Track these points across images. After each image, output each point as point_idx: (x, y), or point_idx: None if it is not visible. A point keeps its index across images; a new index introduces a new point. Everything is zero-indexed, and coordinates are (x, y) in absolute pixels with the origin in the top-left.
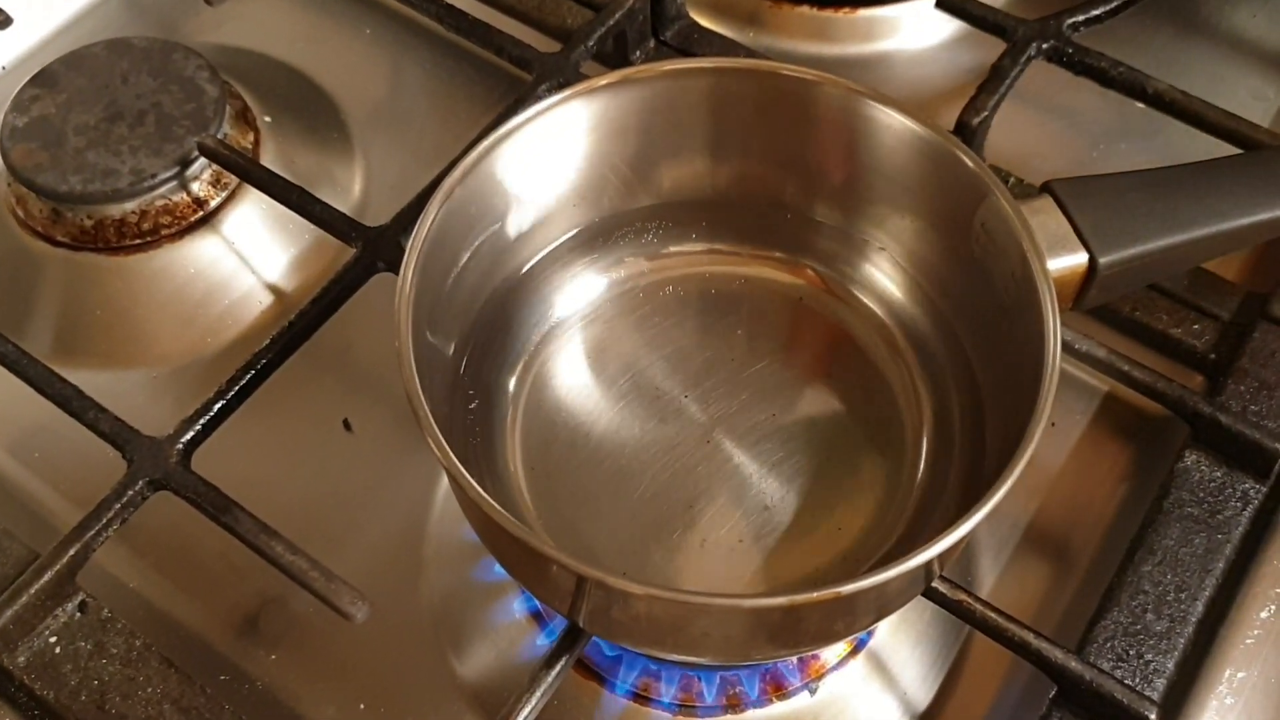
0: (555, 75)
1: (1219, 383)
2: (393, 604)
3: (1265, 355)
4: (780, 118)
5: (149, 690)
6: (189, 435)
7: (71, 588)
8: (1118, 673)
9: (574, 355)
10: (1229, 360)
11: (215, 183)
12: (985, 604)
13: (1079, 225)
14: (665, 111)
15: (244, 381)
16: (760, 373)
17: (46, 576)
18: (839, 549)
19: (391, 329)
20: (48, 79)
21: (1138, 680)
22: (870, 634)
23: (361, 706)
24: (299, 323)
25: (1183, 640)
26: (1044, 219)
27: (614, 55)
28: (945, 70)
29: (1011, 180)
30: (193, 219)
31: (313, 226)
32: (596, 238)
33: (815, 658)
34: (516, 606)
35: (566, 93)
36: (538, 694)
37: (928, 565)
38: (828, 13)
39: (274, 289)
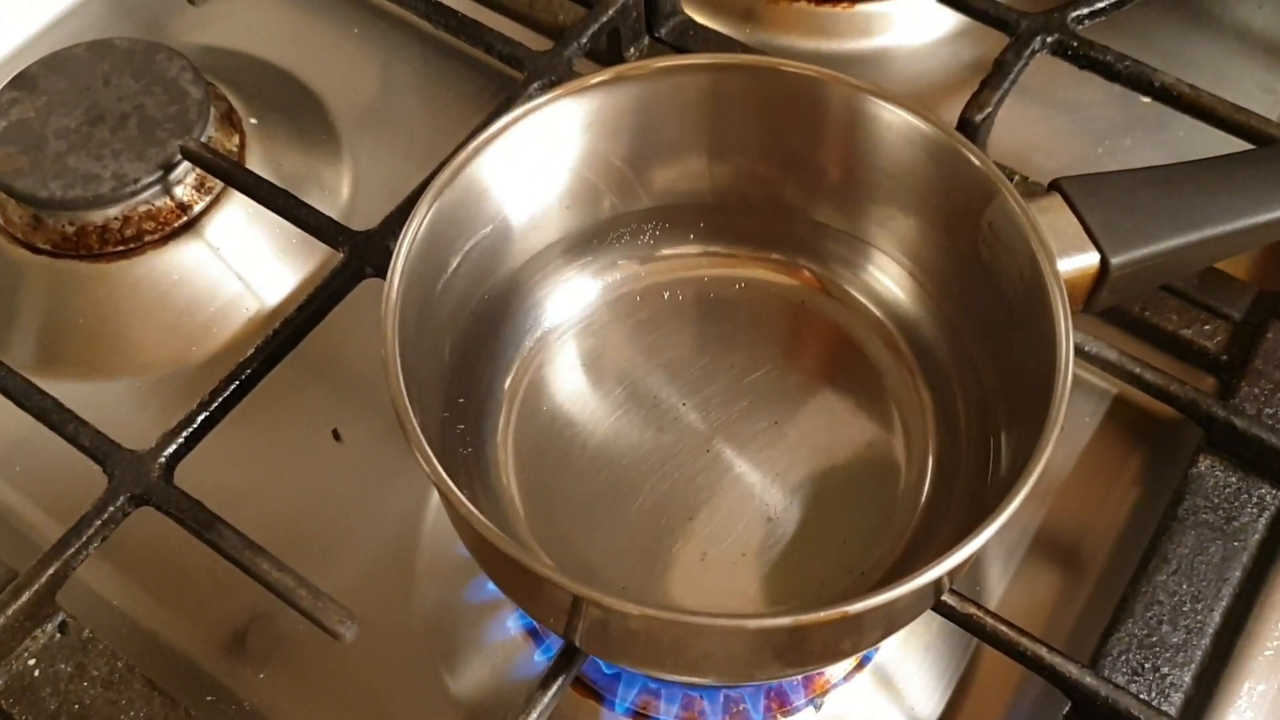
0: (547, 73)
1: (1231, 384)
2: (384, 620)
3: (1279, 356)
4: (780, 116)
5: (131, 714)
6: (171, 449)
7: (51, 608)
8: (1133, 687)
9: (568, 362)
10: (1241, 361)
11: (199, 187)
12: (996, 617)
13: (1089, 224)
14: (660, 110)
15: (227, 393)
16: (761, 379)
17: (25, 597)
18: (844, 561)
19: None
20: (27, 81)
21: (1154, 695)
22: (876, 648)
23: None
24: (284, 331)
25: (1199, 653)
26: (1053, 218)
27: (607, 53)
28: (945, 65)
29: (1016, 177)
30: (177, 224)
31: (300, 230)
32: (590, 241)
33: (820, 673)
34: (512, 622)
35: (557, 92)
36: (534, 715)
37: (937, 581)
38: (825, 8)
39: (261, 295)
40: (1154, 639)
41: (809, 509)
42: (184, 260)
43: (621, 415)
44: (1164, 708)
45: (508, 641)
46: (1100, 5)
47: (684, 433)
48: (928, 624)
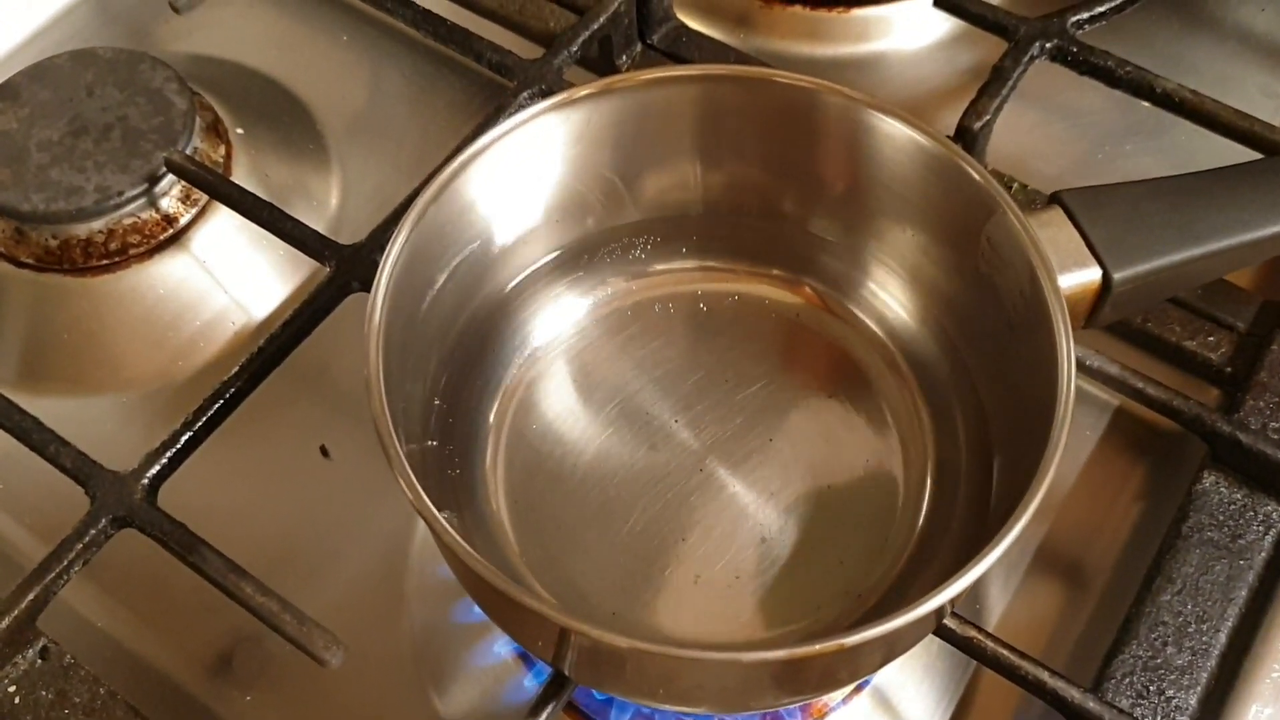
0: (537, 82)
1: (1236, 398)
2: (373, 642)
3: None
4: (774, 127)
5: None
6: (154, 470)
7: (32, 633)
8: (1138, 711)
9: (558, 380)
10: (1246, 374)
11: (185, 199)
12: (997, 640)
13: (1091, 239)
14: (651, 122)
15: (212, 412)
16: (755, 396)
17: (4, 623)
18: (840, 583)
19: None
20: (9, 92)
21: (1159, 719)
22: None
23: None
24: (269, 348)
25: (1205, 675)
26: (1054, 232)
27: (599, 61)
28: (942, 71)
29: (1015, 185)
30: (162, 237)
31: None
32: (581, 256)
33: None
34: (503, 646)
35: (544, 104)
36: None
37: (939, 609)
38: (820, 13)
39: (248, 308)
40: (1158, 661)
41: (804, 529)
42: (169, 274)
43: (613, 433)
44: None
45: (498, 665)
46: (1100, 10)
47: (676, 451)
48: (927, 645)
